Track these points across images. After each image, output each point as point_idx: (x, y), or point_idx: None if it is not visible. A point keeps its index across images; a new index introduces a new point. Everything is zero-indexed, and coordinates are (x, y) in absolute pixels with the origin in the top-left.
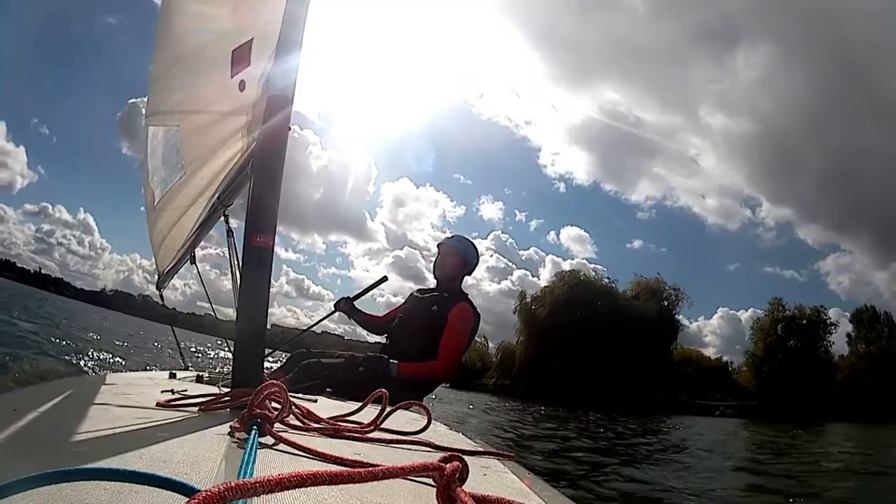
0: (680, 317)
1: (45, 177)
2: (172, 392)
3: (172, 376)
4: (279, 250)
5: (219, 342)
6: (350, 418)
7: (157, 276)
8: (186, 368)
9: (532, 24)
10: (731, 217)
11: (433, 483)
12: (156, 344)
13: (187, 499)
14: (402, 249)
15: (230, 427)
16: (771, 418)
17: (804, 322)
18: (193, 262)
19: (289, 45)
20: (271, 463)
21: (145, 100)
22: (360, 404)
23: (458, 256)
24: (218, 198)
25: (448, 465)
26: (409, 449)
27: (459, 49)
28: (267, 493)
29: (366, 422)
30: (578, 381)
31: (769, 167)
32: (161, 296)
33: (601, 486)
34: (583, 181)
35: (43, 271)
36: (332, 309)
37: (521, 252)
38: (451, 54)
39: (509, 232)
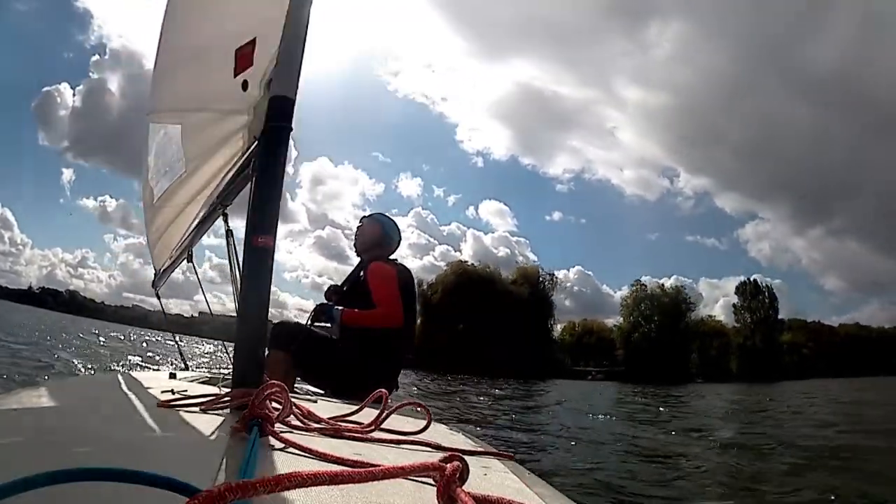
0: (553, 297)
1: None
2: (173, 392)
3: (173, 376)
4: (204, 236)
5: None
6: (350, 418)
7: (153, 276)
8: (187, 369)
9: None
10: (649, 188)
11: (433, 483)
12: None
13: (188, 499)
14: (323, 229)
15: (231, 427)
16: (635, 380)
17: (666, 300)
18: (190, 260)
19: (292, 45)
20: (272, 463)
21: (59, 87)
22: (360, 404)
23: (374, 226)
24: (217, 197)
25: (448, 465)
26: (410, 449)
27: (373, 26)
28: (267, 493)
29: (366, 422)
30: (462, 353)
31: (686, 138)
32: (157, 295)
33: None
34: (501, 156)
35: None
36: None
37: (442, 228)
38: (365, 31)
39: (429, 208)
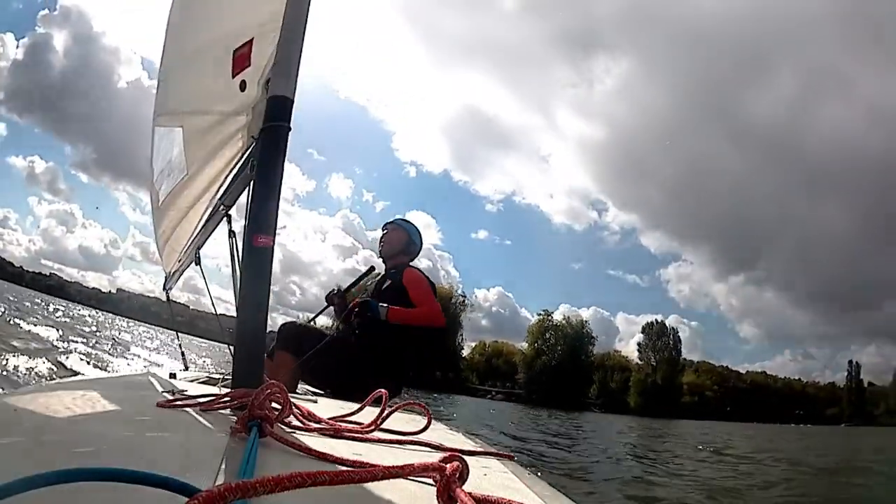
0: (464, 318)
1: None
2: (173, 392)
3: (173, 376)
4: (128, 211)
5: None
6: (350, 418)
7: (164, 279)
8: (187, 369)
9: (402, 11)
10: (577, 218)
11: (433, 483)
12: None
13: (187, 499)
14: None
15: (230, 427)
16: (531, 403)
17: (570, 331)
18: (198, 263)
19: (289, 44)
20: (271, 463)
21: (2, 37)
22: (359, 405)
23: (401, 233)
24: (220, 199)
25: (448, 466)
26: (410, 449)
27: (320, 22)
28: (267, 494)
29: (366, 422)
30: None
31: (618, 173)
32: (168, 298)
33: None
34: (434, 168)
35: None
36: (326, 304)
37: (367, 232)
38: (315, 27)
39: (357, 211)
